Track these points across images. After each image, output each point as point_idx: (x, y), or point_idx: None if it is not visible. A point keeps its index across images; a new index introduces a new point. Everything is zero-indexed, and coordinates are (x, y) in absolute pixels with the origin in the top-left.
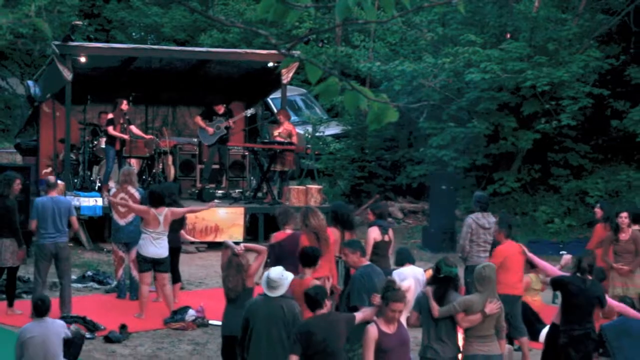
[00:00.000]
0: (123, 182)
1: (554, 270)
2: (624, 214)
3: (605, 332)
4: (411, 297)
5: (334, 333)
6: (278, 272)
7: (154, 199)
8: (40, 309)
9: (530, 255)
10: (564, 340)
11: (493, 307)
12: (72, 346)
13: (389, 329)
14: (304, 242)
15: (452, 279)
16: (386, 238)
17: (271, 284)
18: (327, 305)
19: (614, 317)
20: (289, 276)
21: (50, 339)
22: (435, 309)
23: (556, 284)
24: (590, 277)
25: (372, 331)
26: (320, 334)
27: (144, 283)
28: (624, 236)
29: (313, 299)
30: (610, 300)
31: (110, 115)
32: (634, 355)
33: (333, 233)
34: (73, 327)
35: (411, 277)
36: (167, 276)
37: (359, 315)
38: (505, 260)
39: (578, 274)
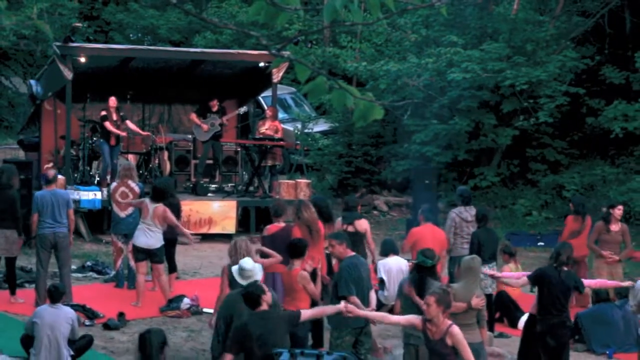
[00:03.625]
0: (124, 177)
1: (519, 274)
2: (620, 207)
3: (580, 320)
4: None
5: (271, 330)
6: (250, 263)
7: (154, 193)
8: (54, 296)
9: (492, 273)
10: (540, 328)
11: (479, 302)
12: (81, 341)
13: (431, 332)
14: (296, 234)
15: (427, 269)
16: (349, 229)
17: (247, 273)
18: (266, 301)
19: (588, 305)
20: (259, 266)
21: (58, 324)
22: (423, 304)
23: (535, 279)
24: (565, 269)
25: (417, 319)
26: (257, 331)
27: (140, 272)
28: (614, 227)
29: (251, 296)
30: (588, 281)
31: (103, 112)
32: (608, 340)
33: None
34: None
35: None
36: (162, 267)
37: (305, 314)
38: (417, 241)
39: (555, 265)
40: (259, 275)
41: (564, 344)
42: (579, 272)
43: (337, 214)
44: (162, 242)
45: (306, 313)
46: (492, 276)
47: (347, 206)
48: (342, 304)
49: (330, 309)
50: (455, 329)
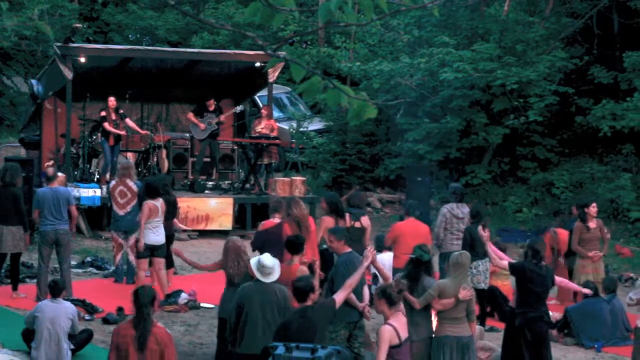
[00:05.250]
0: (122, 175)
1: (505, 256)
2: (594, 204)
3: (570, 314)
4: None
5: (312, 326)
6: (271, 259)
7: (151, 190)
8: (54, 290)
9: (492, 247)
10: (519, 321)
11: (466, 293)
12: (81, 335)
13: None
14: (286, 230)
15: (424, 263)
16: (357, 224)
17: (266, 270)
18: (312, 298)
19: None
20: (278, 262)
21: (58, 318)
22: (416, 302)
23: (515, 270)
24: (544, 263)
25: None
26: (299, 328)
27: (140, 269)
28: (592, 225)
29: (302, 291)
30: (559, 280)
31: (103, 113)
32: (596, 334)
33: (329, 222)
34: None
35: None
36: (162, 261)
37: (338, 298)
38: (398, 236)
39: (534, 261)
40: (278, 272)
41: (543, 338)
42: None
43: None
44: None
45: (339, 297)
46: (485, 239)
47: (353, 203)
48: (367, 251)
49: (356, 275)
50: (382, 329)
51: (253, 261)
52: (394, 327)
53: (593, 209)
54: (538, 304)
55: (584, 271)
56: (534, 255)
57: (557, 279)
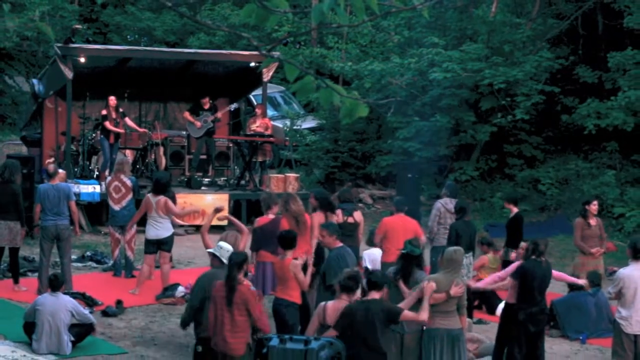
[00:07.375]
0: (117, 171)
1: (499, 276)
2: (595, 202)
3: (556, 307)
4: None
5: (371, 318)
6: (226, 243)
7: (155, 186)
8: (54, 284)
9: (475, 285)
10: (523, 317)
11: (458, 290)
12: (81, 328)
13: None
14: (284, 226)
15: (415, 258)
16: (350, 220)
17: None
18: (374, 295)
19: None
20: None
21: (58, 311)
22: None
23: (518, 276)
24: (544, 259)
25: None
26: (360, 315)
27: (146, 263)
28: (593, 222)
29: (374, 283)
30: (554, 272)
31: (104, 112)
32: (582, 327)
33: (320, 217)
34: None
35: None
36: (168, 255)
37: (405, 314)
38: (387, 231)
39: (533, 257)
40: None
41: (543, 329)
42: None
43: None
44: (171, 231)
45: (407, 314)
46: (475, 288)
47: (343, 199)
48: (425, 285)
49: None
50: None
51: (213, 250)
52: (325, 307)
53: (594, 206)
54: (540, 298)
55: (585, 269)
56: (534, 250)
57: (555, 273)
